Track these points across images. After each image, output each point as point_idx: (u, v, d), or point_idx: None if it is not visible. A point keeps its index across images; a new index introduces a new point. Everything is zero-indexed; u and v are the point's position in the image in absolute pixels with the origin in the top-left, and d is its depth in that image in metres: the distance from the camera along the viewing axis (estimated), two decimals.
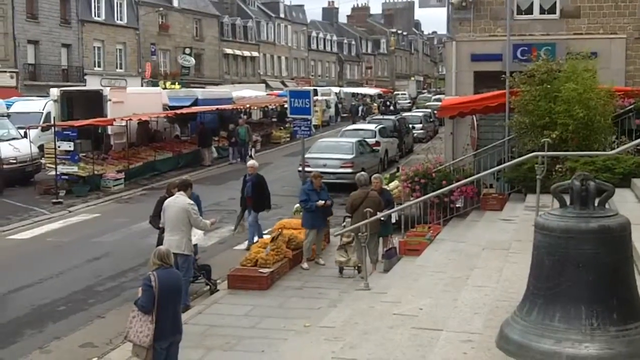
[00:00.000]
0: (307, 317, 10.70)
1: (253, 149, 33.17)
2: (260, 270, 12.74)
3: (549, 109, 14.54)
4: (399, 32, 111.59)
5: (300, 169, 20.58)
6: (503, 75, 16.00)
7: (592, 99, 14.16)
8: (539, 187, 11.43)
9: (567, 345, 5.11)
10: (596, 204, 5.40)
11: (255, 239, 15.64)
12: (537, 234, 5.48)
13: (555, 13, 20.15)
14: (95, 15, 51.11)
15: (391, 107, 63.91)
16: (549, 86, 14.85)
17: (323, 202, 14.13)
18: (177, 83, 55.42)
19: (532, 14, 20.28)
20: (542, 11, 20.26)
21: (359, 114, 56.06)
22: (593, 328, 5.16)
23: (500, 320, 5.95)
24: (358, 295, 11.04)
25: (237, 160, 31.65)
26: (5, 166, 22.74)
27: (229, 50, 67.61)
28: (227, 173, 28.79)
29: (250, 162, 17.27)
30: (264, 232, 16.94)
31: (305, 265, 14.03)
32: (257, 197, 15.74)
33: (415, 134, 39.03)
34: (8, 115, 26.94)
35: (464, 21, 20.41)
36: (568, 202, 5.46)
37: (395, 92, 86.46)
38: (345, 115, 59.11)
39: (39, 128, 27.07)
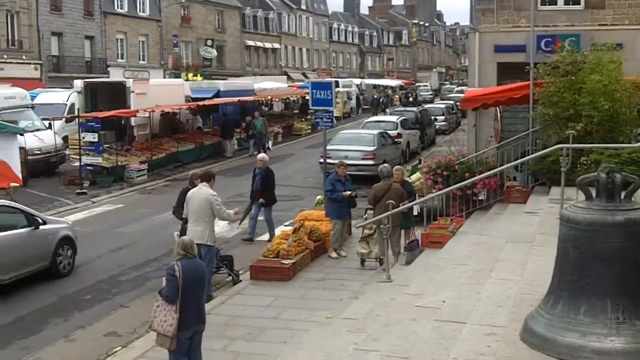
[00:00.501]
0: (328, 308, 10.72)
1: (270, 142, 32.94)
2: (282, 262, 12.78)
3: (574, 101, 14.42)
4: (421, 23, 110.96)
5: (321, 160, 20.57)
6: (527, 67, 15.88)
7: (617, 91, 14.03)
8: (564, 179, 11.35)
9: (593, 339, 5.08)
10: (622, 197, 5.36)
11: (266, 236, 15.80)
12: (563, 226, 5.45)
13: (579, 4, 19.91)
14: (118, 8, 51.33)
15: (411, 99, 63.67)
16: (573, 78, 14.74)
17: (349, 192, 14.11)
18: (199, 75, 55.55)
19: (556, 4, 20.05)
20: (566, 2, 20.02)
21: (380, 106, 55.77)
22: (619, 322, 5.13)
23: (524, 314, 5.94)
24: (380, 287, 11.04)
25: (256, 152, 31.25)
26: (29, 157, 22.91)
27: (250, 42, 67.64)
28: (249, 164, 28.74)
29: (260, 156, 17.13)
30: (285, 224, 17.01)
31: (333, 254, 14.05)
32: (265, 190, 15.78)
33: (437, 126, 38.84)
34: (32, 107, 27.15)
35: (487, 12, 20.23)
36: (594, 195, 5.42)
37: (417, 84, 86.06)
38: (366, 107, 58.73)
39: (63, 119, 27.29)
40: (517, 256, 9.49)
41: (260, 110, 35.30)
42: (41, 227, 13.17)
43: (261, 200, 15.81)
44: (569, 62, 15.02)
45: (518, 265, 8.91)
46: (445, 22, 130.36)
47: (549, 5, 19.91)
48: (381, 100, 59.40)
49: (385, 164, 14.86)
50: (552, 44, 17.62)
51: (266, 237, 16.00)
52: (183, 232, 11.74)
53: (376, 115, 44.14)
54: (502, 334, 6.43)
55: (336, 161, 20.96)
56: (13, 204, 14.02)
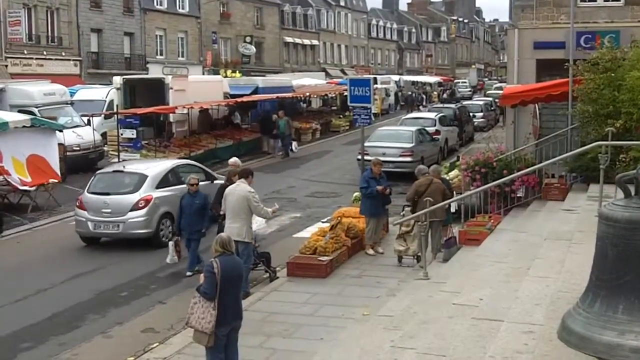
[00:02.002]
0: (365, 305, 10.72)
1: (294, 143, 30.69)
2: (320, 258, 12.80)
3: (613, 98, 14.25)
4: (460, 19, 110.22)
5: (359, 157, 20.57)
6: (566, 64, 15.72)
7: None
8: (603, 177, 11.21)
9: (631, 337, 5.02)
10: None
11: (304, 232, 15.59)
12: (601, 224, 5.39)
13: (619, 0, 19.64)
14: (157, 4, 51.84)
15: (444, 96, 63.12)
16: (613, 74, 14.56)
17: (382, 187, 14.05)
18: (237, 71, 55.87)
19: (596, 1, 19.81)
20: None
21: (414, 103, 55.18)
22: None
23: (562, 312, 5.88)
24: (417, 285, 11.00)
25: (280, 154, 30.20)
26: (68, 153, 23.25)
27: (289, 39, 67.83)
28: (286, 162, 28.93)
29: (232, 160, 14.83)
30: (323, 220, 17.01)
31: (370, 251, 14.06)
32: None
33: (475, 123, 38.57)
34: (72, 103, 27.50)
35: (527, 8, 20.05)
36: (633, 193, 5.36)
37: (456, 80, 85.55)
38: (403, 104, 58.03)
39: (102, 116, 27.63)
40: (555, 254, 9.40)
41: (285, 109, 32.26)
42: (215, 181, 16.96)
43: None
44: (609, 58, 14.83)
45: (556, 263, 8.83)
46: (484, 19, 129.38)
47: (588, 1, 19.67)
48: (416, 96, 59.08)
49: (422, 166, 14.84)
50: (591, 40, 17.40)
51: (303, 233, 16.01)
52: (221, 229, 11.82)
53: (411, 112, 43.92)
54: (540, 332, 6.39)
55: (374, 158, 21.10)
56: (193, 163, 18.86)
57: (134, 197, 15.38)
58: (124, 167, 16.89)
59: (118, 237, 15.60)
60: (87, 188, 16.19)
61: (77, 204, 15.96)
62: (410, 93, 58.52)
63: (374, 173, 14.30)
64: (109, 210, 15.34)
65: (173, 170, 16.65)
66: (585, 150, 12.88)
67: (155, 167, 16.85)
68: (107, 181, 16.29)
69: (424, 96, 63.30)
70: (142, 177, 15.88)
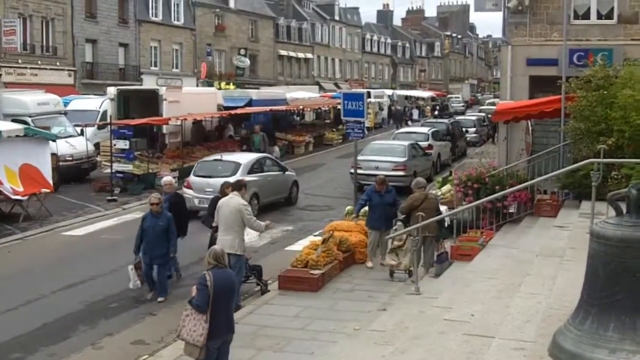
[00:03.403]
0: (357, 320, 10.70)
1: None
2: (311, 272, 12.78)
3: (605, 115, 14.33)
4: (454, 35, 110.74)
5: (352, 171, 20.59)
6: (559, 81, 15.82)
7: None
8: (595, 194, 11.25)
9: (622, 356, 5.04)
10: None
11: (295, 245, 15.31)
12: (593, 242, 5.42)
13: (612, 18, 19.81)
14: (152, 16, 51.90)
15: (436, 112, 62.96)
16: (605, 92, 14.66)
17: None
18: (231, 83, 55.93)
19: (589, 18, 19.97)
20: (599, 16, 19.94)
21: (403, 118, 54.29)
22: None
23: (553, 329, 5.90)
24: (409, 300, 11.00)
25: None
26: (61, 163, 23.21)
27: (283, 52, 68.01)
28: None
29: (167, 179, 14.61)
30: (315, 234, 16.99)
31: (369, 264, 14.04)
32: (175, 219, 12.85)
33: (468, 138, 38.70)
34: (65, 113, 27.45)
35: (520, 25, 20.19)
36: (624, 211, 5.39)
37: (449, 96, 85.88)
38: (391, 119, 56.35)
39: (96, 126, 27.60)
40: (546, 270, 9.43)
41: (261, 124, 31.55)
42: (286, 172, 21.38)
43: (180, 235, 13.49)
44: (601, 76, 14.94)
45: (547, 280, 8.85)
46: (477, 35, 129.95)
47: (582, 19, 19.85)
48: (407, 110, 58.79)
49: (420, 179, 14.87)
50: (584, 58, 17.55)
51: (295, 247, 16.00)
52: (213, 241, 11.80)
53: (399, 128, 43.73)
54: (531, 349, 6.40)
55: (367, 172, 21.15)
56: (270, 156, 22.74)
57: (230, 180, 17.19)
58: (221, 157, 21.36)
59: None
60: (192, 172, 20.64)
61: (185, 185, 20.23)
62: (398, 108, 57.52)
63: (377, 189, 14.34)
64: (211, 190, 18.37)
65: (258, 160, 21.36)
66: (578, 167, 12.94)
67: (246, 158, 21.47)
68: (208, 167, 20.58)
69: (418, 110, 63.36)
70: (237, 165, 20.23)
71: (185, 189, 19.81)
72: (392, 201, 14.31)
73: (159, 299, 12.34)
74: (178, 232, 13.12)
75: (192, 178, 20.28)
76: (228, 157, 21.59)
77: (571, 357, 5.28)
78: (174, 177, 24.63)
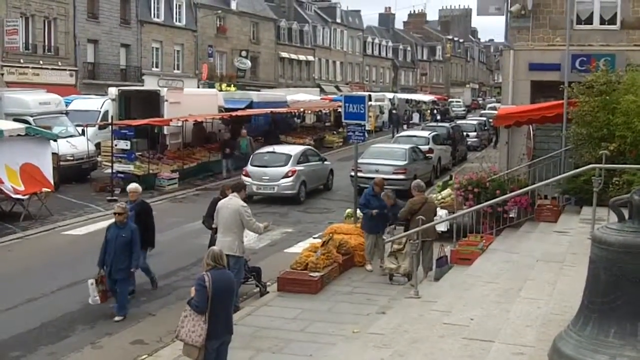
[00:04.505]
0: (355, 322, 10.69)
1: None
2: (310, 274, 12.77)
3: (607, 121, 14.33)
4: (455, 39, 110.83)
5: (352, 173, 20.56)
6: (561, 86, 15.81)
7: None
8: (596, 199, 11.24)
9: None
10: None
11: (295, 248, 15.30)
12: (594, 247, 5.41)
13: (615, 24, 19.80)
14: (154, 17, 51.94)
15: (438, 117, 62.69)
16: (607, 97, 14.66)
17: (375, 210, 14.02)
18: (232, 85, 55.94)
19: (592, 24, 19.96)
20: (602, 21, 19.93)
21: (401, 122, 53.30)
22: None
23: (553, 334, 5.89)
24: (408, 303, 10.99)
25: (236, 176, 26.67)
26: (62, 163, 23.22)
27: (284, 54, 68.05)
28: None
29: (132, 186, 13.43)
30: (314, 236, 16.98)
31: (368, 267, 14.03)
32: (141, 229, 12.24)
33: (469, 142, 38.68)
34: (66, 113, 27.47)
35: (523, 30, 20.19)
36: (626, 216, 5.38)
37: (450, 100, 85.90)
38: (389, 126, 54.27)
39: (97, 126, 27.63)
40: (547, 276, 9.41)
41: (247, 128, 31.08)
42: (324, 162, 25.12)
43: (149, 248, 13.11)
44: (604, 81, 14.94)
45: (548, 285, 8.84)
46: (479, 39, 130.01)
47: (584, 24, 19.83)
48: (407, 113, 58.34)
49: (419, 181, 14.83)
50: (587, 63, 17.54)
51: (294, 249, 15.99)
52: (212, 242, 11.79)
53: (395, 135, 43.42)
54: (531, 353, 6.38)
55: (367, 175, 21.15)
56: (312, 148, 26.92)
57: (284, 169, 22.75)
58: (274, 149, 24.45)
59: (272, 196, 22.51)
60: (249, 162, 23.54)
61: (243, 173, 22.98)
62: (394, 112, 56.21)
63: (375, 192, 14.31)
64: (267, 177, 22.54)
65: (304, 152, 24.61)
66: (579, 172, 12.93)
67: (295, 149, 24.87)
68: (263, 158, 23.65)
69: (418, 114, 63.25)
70: (289, 156, 23.39)
71: (243, 177, 22.16)
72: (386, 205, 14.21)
73: (116, 318, 11.44)
74: (145, 244, 12.56)
75: (249, 167, 23.20)
76: (280, 149, 24.93)
77: None
78: (175, 177, 25.12)
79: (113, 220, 11.90)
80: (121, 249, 11.45)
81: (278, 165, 22.88)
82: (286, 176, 22.67)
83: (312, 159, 24.74)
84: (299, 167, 23.04)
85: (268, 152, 24.38)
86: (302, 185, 23.02)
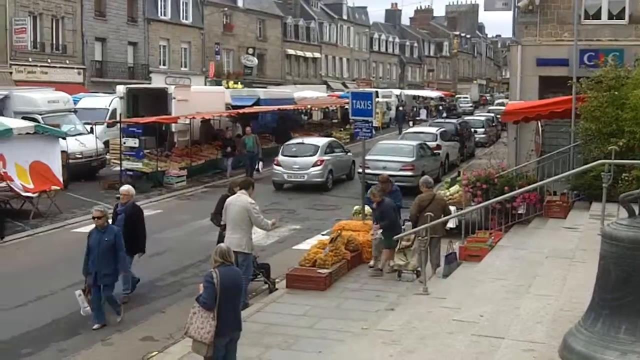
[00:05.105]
0: (364, 319, 10.69)
1: (261, 163, 27.95)
2: (319, 271, 12.77)
3: (616, 116, 14.27)
4: (462, 34, 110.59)
5: (360, 170, 20.55)
6: (569, 81, 15.75)
7: None
8: (605, 195, 11.21)
9: (633, 358, 5.01)
10: None
11: (303, 244, 15.15)
12: (605, 243, 5.39)
13: (624, 18, 19.72)
14: (161, 14, 52.01)
15: (444, 114, 62.38)
16: (616, 93, 14.60)
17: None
18: (239, 83, 55.97)
19: (600, 19, 19.88)
20: (610, 16, 19.84)
21: (406, 119, 52.69)
22: None
23: (564, 330, 5.88)
24: (417, 300, 10.98)
25: (243, 175, 26.09)
26: (71, 161, 23.28)
27: (291, 51, 68.04)
28: None
29: (124, 188, 12.92)
30: (323, 233, 16.98)
31: (372, 262, 14.04)
32: (130, 234, 11.97)
33: (477, 138, 38.59)
34: (75, 111, 27.57)
35: (530, 25, 20.13)
36: (637, 212, 5.37)
37: (457, 96, 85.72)
38: (394, 123, 53.03)
39: (105, 124, 27.66)
40: (556, 272, 9.39)
41: (254, 125, 30.97)
42: (348, 153, 26.83)
43: (139, 254, 12.62)
44: (612, 77, 14.87)
45: (557, 281, 8.82)
46: (486, 34, 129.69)
47: (592, 19, 19.76)
48: (415, 109, 58.06)
49: (427, 177, 14.80)
50: (595, 58, 17.46)
51: (303, 245, 15.99)
52: (221, 239, 11.80)
53: (400, 131, 43.34)
54: (541, 350, 6.37)
55: (375, 172, 21.11)
56: (336, 140, 29.46)
57: (313, 159, 24.58)
58: (302, 140, 26.70)
59: (302, 184, 24.34)
60: (280, 152, 25.44)
61: (275, 163, 24.93)
62: (400, 109, 55.28)
63: (380, 188, 14.30)
64: (297, 166, 24.43)
65: (330, 143, 26.40)
66: (588, 168, 12.88)
67: (322, 141, 26.81)
68: (293, 149, 25.47)
69: (426, 110, 63.08)
70: (317, 147, 25.25)
71: (274, 166, 24.72)
72: (397, 201, 14.21)
73: (95, 326, 10.90)
74: (135, 249, 12.23)
75: (280, 157, 25.00)
76: (308, 140, 27.09)
77: (582, 358, 5.26)
78: (183, 174, 25.16)
79: (94, 225, 11.22)
80: (106, 254, 10.86)
81: (307, 155, 24.67)
82: (315, 165, 24.43)
83: (336, 150, 26.38)
84: (326, 157, 24.88)
85: (297, 143, 26.31)
86: (329, 174, 24.84)
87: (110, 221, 11.68)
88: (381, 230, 13.39)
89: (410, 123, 51.42)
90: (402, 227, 14.42)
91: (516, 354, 6.42)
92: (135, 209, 12.65)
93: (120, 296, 11.73)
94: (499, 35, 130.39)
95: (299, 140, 27.13)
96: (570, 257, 9.90)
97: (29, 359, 9.99)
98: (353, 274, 13.64)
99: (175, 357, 9.50)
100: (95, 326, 10.95)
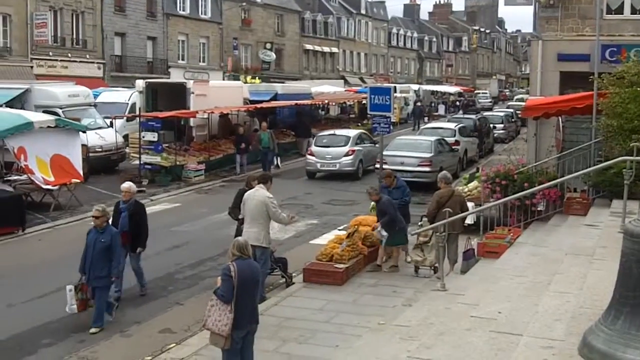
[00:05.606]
0: (381, 314, 10.67)
1: (278, 158, 28.41)
2: (336, 266, 12.77)
3: (639, 112, 14.11)
4: (482, 29, 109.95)
5: (377, 166, 20.52)
6: (591, 77, 15.61)
7: None
8: (627, 192, 11.11)
9: None
10: None
11: (320, 239, 15.16)
12: (626, 241, 5.34)
13: None
14: (180, 9, 52.15)
15: (461, 109, 61.98)
16: (638, 89, 14.42)
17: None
18: (257, 77, 56.02)
19: (622, 13, 19.66)
20: (633, 11, 19.62)
21: (423, 115, 52.13)
22: None
23: (583, 328, 5.84)
24: (434, 296, 10.94)
25: (239, 172, 26.46)
26: (91, 154, 23.39)
27: (309, 46, 67.97)
28: (303, 168, 28.91)
29: (126, 185, 12.47)
30: (340, 228, 16.96)
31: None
32: (137, 232, 11.99)
33: (496, 134, 38.35)
34: (95, 105, 27.71)
35: (551, 20, 19.95)
36: None
37: (476, 91, 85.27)
38: (411, 119, 52.14)
39: (124, 118, 27.82)
40: (576, 269, 9.32)
41: (272, 120, 31.38)
42: (376, 145, 25.16)
43: (139, 249, 12.16)
44: (635, 72, 14.71)
45: (577, 279, 8.75)
46: (506, 29, 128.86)
47: (615, 14, 19.55)
48: (432, 105, 57.56)
49: (446, 172, 14.72)
50: (617, 53, 17.33)
51: (320, 240, 15.98)
52: (238, 233, 11.82)
53: (415, 129, 43.07)
54: (560, 347, 6.32)
55: (392, 167, 21.05)
56: (364, 131, 29.39)
57: (345, 149, 26.01)
58: (334, 132, 28.19)
59: (334, 172, 25.90)
60: (314, 143, 27.13)
61: (308, 153, 26.79)
62: (418, 104, 54.77)
63: (385, 183, 14.26)
64: (330, 156, 25.87)
65: (359, 135, 27.58)
66: (609, 165, 12.77)
67: (352, 132, 28.34)
68: (325, 140, 27.00)
69: (444, 106, 62.75)
70: (348, 137, 26.79)
71: (308, 156, 26.46)
72: (398, 198, 14.05)
73: (91, 330, 10.54)
74: (138, 245, 11.99)
75: (313, 147, 26.58)
76: (339, 131, 28.75)
77: (602, 356, 5.21)
78: (202, 168, 25.23)
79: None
80: (100, 255, 10.59)
81: (339, 146, 26.12)
82: (346, 155, 25.78)
83: (366, 141, 27.46)
84: (356, 147, 26.22)
85: (329, 134, 27.87)
86: (360, 163, 26.07)
87: (110, 220, 11.49)
88: (379, 228, 13.37)
89: (426, 119, 51.20)
90: (420, 222, 14.35)
91: (535, 351, 6.37)
92: (138, 206, 12.39)
93: (111, 297, 11.32)
94: (519, 30, 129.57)
95: (331, 131, 28.64)
96: (590, 255, 9.82)
97: (49, 350, 10.07)
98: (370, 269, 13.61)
99: (193, 349, 9.55)
100: (92, 330, 10.55)
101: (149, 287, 12.55)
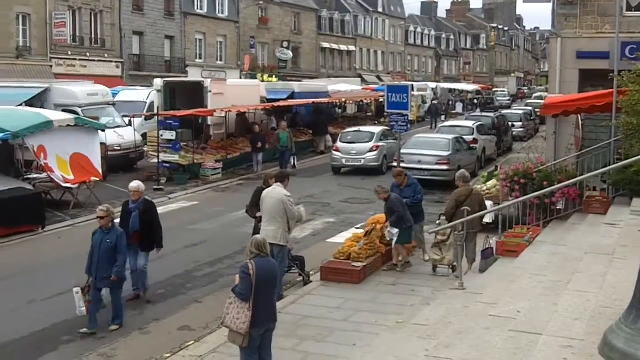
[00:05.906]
0: (399, 313, 10.66)
1: (295, 158, 28.17)
2: (353, 264, 12.76)
3: None
4: (500, 27, 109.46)
5: (395, 164, 20.48)
6: (610, 74, 15.48)
7: None
8: None
9: None
10: None
11: (337, 237, 15.17)
12: None
13: None
14: (197, 8, 52.32)
15: (478, 107, 61.48)
16: None
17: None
18: (274, 76, 56.09)
19: None
20: None
21: (439, 113, 51.47)
22: None
23: (603, 327, 5.79)
24: (452, 295, 10.91)
25: (257, 171, 26.18)
26: (110, 153, 23.54)
27: (326, 44, 67.98)
28: (320, 166, 29.00)
29: (135, 184, 12.40)
30: (357, 227, 16.94)
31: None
32: (149, 231, 11.92)
33: (514, 132, 38.14)
34: (113, 104, 27.88)
35: (570, 17, 19.80)
36: None
37: (495, 89, 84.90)
38: (427, 117, 51.06)
39: (143, 117, 27.95)
40: (596, 268, 9.25)
41: (289, 119, 31.66)
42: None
43: (157, 248, 12.17)
44: None
45: (597, 278, 8.68)
46: (524, 27, 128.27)
47: (635, 11, 19.35)
48: (450, 103, 57.19)
49: (464, 171, 14.65)
50: (637, 51, 17.11)
51: (337, 239, 15.97)
52: (256, 231, 11.84)
53: (432, 127, 42.82)
54: (580, 347, 6.28)
55: (410, 165, 21.00)
56: (387, 128, 27.60)
57: (369, 145, 26.68)
58: (359, 129, 29.16)
59: (359, 167, 26.40)
60: (339, 139, 27.76)
61: (334, 149, 27.38)
62: (434, 102, 54.12)
63: (396, 182, 14.24)
64: (355, 152, 26.48)
65: (383, 132, 27.86)
66: (629, 163, 12.66)
67: (376, 129, 28.94)
68: (350, 136, 27.76)
69: (462, 104, 62.52)
70: (372, 134, 27.53)
71: (333, 152, 27.08)
72: (409, 196, 13.94)
73: (112, 327, 10.55)
74: (152, 245, 11.94)
75: (339, 144, 27.31)
76: (364, 128, 29.89)
77: (623, 356, 5.16)
78: (219, 167, 25.29)
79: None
80: (105, 256, 10.50)
81: (364, 142, 26.83)
82: (371, 150, 26.46)
83: (389, 138, 27.58)
84: (380, 143, 26.91)
85: (354, 131, 28.75)
86: (383, 159, 26.62)
87: (119, 220, 11.44)
88: (389, 227, 13.33)
89: (443, 117, 50.99)
90: (438, 221, 14.29)
91: (554, 350, 6.33)
92: (149, 204, 12.28)
93: (129, 294, 11.40)
94: (538, 28, 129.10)
95: (356, 128, 29.63)
96: (610, 254, 9.74)
97: (69, 346, 10.15)
98: (387, 268, 13.59)
99: (212, 347, 9.59)
100: (112, 327, 10.56)
101: (156, 289, 12.51)
